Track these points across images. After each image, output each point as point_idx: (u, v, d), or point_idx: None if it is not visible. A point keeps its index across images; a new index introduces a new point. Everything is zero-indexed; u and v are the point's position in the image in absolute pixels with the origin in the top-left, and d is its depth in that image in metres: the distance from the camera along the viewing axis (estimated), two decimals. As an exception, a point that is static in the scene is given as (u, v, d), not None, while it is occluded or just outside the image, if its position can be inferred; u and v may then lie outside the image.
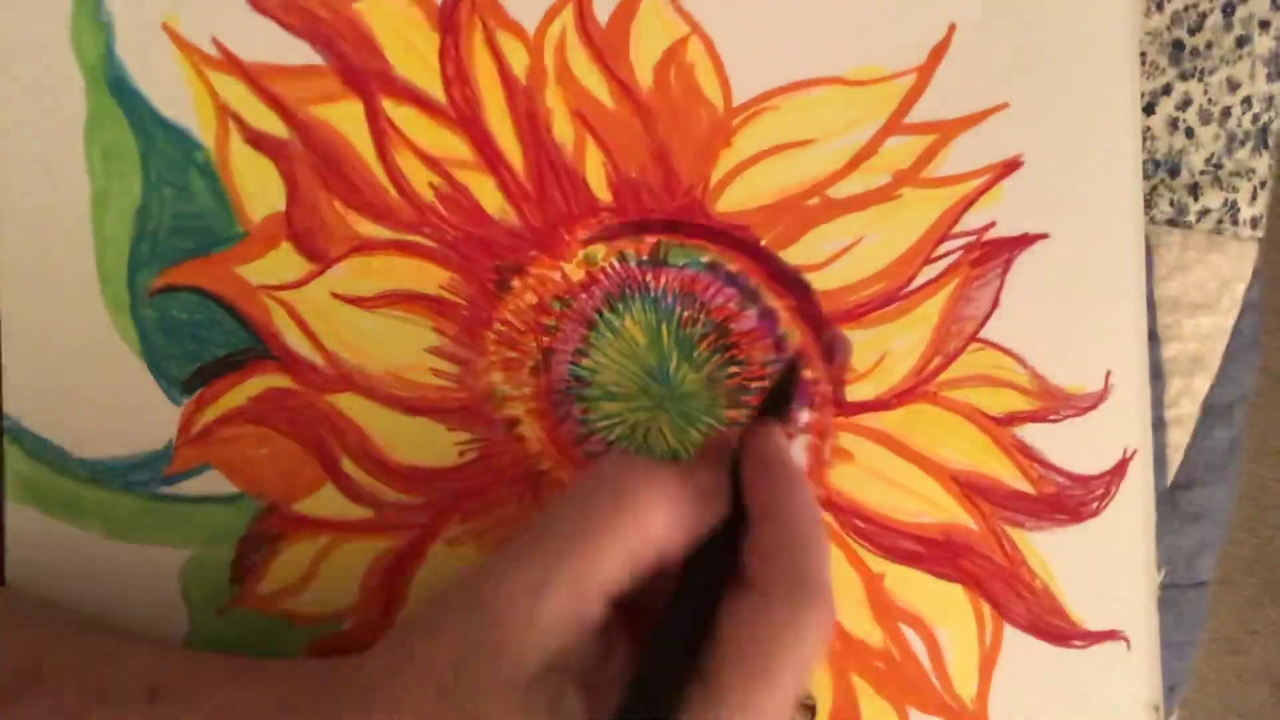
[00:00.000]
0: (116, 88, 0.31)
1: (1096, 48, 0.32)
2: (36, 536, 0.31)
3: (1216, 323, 0.36)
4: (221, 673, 0.26)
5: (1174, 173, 0.36)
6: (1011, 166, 0.32)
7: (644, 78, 0.32)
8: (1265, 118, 0.36)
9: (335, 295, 0.31)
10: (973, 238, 0.32)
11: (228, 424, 0.31)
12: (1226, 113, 0.35)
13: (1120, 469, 0.32)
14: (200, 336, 0.31)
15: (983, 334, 0.32)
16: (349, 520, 0.31)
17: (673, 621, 0.23)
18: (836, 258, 0.32)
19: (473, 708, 0.22)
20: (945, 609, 0.32)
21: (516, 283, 0.32)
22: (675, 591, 0.24)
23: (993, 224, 0.32)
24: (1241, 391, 0.38)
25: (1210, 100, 0.35)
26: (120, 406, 0.31)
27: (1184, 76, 0.35)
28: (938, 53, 0.32)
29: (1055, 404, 0.32)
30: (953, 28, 0.32)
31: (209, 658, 0.28)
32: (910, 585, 0.32)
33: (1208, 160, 0.35)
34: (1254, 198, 0.36)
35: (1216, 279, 0.36)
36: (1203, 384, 0.36)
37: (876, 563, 0.32)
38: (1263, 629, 1.04)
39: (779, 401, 0.29)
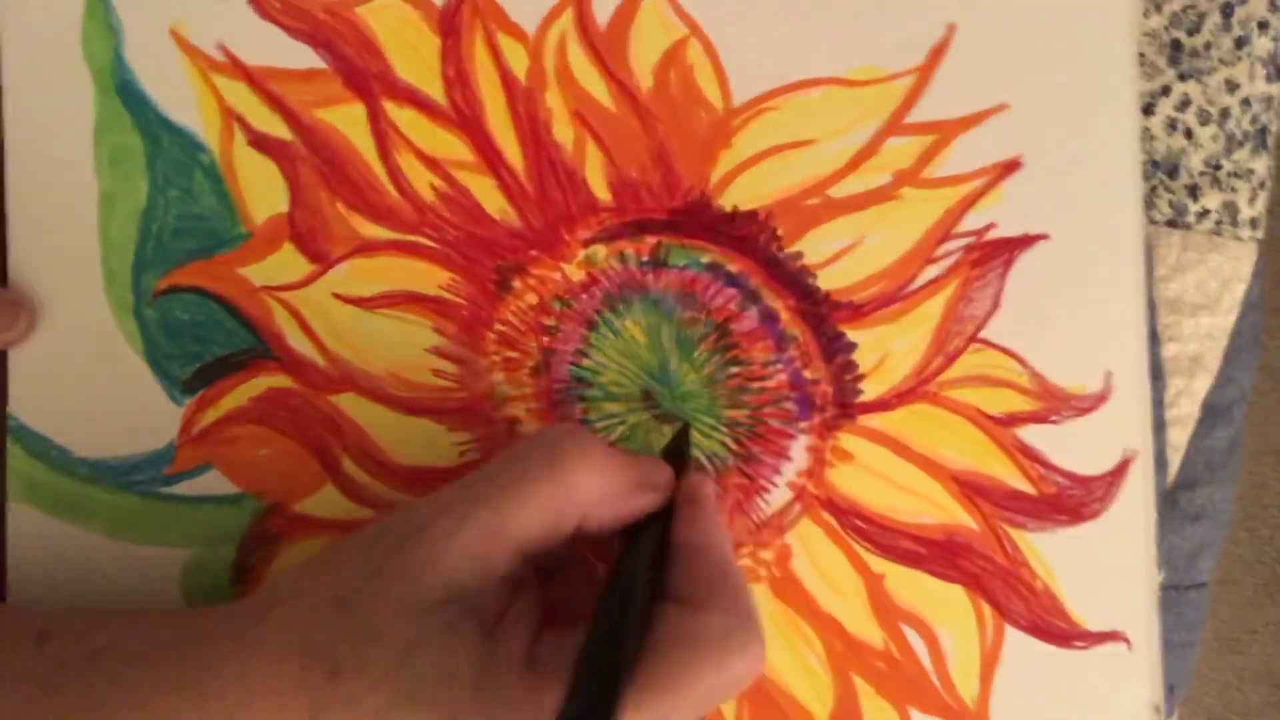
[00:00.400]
0: (124, 91, 0.31)
1: (1096, 48, 0.32)
2: (38, 536, 0.31)
3: (1216, 323, 0.36)
4: (115, 615, 0.27)
5: (1173, 174, 0.36)
6: (1012, 167, 0.32)
7: (644, 79, 0.32)
8: (1264, 119, 0.36)
9: (337, 296, 0.31)
10: (973, 238, 0.32)
11: (229, 424, 0.31)
12: (1225, 114, 0.35)
13: (1121, 470, 0.32)
14: (202, 337, 0.31)
15: (983, 334, 0.32)
16: (350, 520, 0.31)
17: (610, 616, 0.23)
18: (837, 258, 0.32)
19: (367, 621, 0.23)
20: (946, 609, 0.32)
21: (517, 283, 0.32)
22: (607, 583, 0.24)
23: (993, 224, 0.32)
24: (1241, 391, 0.37)
25: (1209, 101, 0.35)
26: (122, 406, 0.31)
27: (1183, 77, 0.35)
28: (937, 53, 0.32)
29: (1056, 404, 0.32)
30: (952, 28, 0.32)
31: (109, 610, 0.28)
32: (911, 586, 0.32)
33: (1207, 161, 0.35)
34: (1253, 198, 0.36)
35: (1216, 279, 0.36)
36: (1202, 384, 0.36)
37: (877, 563, 0.32)
38: (1263, 628, 1.04)
39: (677, 451, 0.30)
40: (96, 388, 0.31)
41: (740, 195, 0.32)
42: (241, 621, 0.24)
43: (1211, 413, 0.36)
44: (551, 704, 0.22)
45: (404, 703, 0.22)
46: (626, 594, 0.23)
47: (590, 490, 0.25)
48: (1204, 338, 0.36)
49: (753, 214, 0.32)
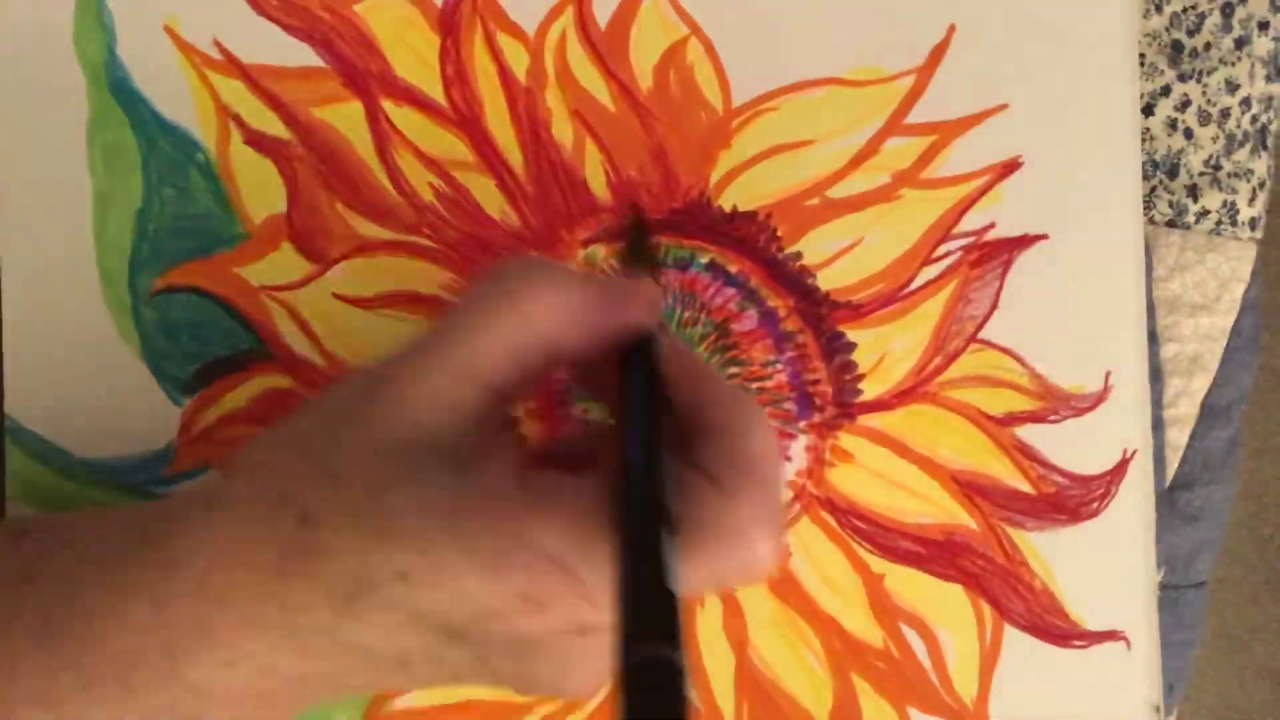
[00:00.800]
0: (118, 89, 0.31)
1: (1096, 49, 0.32)
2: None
3: (1215, 323, 0.36)
4: (93, 509, 0.27)
5: (1173, 174, 0.35)
6: (1011, 167, 0.32)
7: (644, 79, 0.32)
8: (1264, 119, 0.36)
9: (336, 296, 0.31)
10: (972, 238, 0.32)
11: (229, 424, 0.31)
12: (1225, 114, 0.35)
13: (1120, 469, 0.32)
14: (201, 337, 0.31)
15: (983, 334, 0.32)
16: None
17: (636, 497, 0.21)
18: (837, 258, 0.32)
19: (332, 465, 0.22)
20: (946, 609, 0.32)
21: (517, 283, 0.32)
22: (620, 428, 0.23)
23: (992, 225, 0.32)
24: (1240, 391, 0.38)
25: (1209, 101, 0.35)
26: (121, 407, 0.31)
27: (1183, 78, 0.35)
28: (937, 54, 0.32)
29: (1055, 404, 0.32)
30: (952, 29, 0.32)
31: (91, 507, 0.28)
32: (911, 585, 0.32)
33: (1206, 161, 0.35)
34: (1252, 199, 0.36)
35: (1215, 279, 0.36)
36: (1202, 384, 0.36)
37: (877, 563, 0.32)
38: (1263, 627, 1.04)
39: (638, 252, 0.28)
40: (95, 388, 0.31)
41: (740, 195, 0.32)
42: (208, 490, 0.24)
43: (1210, 413, 0.36)
44: (538, 534, 0.21)
45: (376, 541, 0.21)
46: (645, 446, 0.22)
47: (552, 315, 0.23)
48: (1203, 338, 0.36)
49: (752, 214, 0.32)
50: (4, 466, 0.31)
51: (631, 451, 0.21)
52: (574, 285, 0.24)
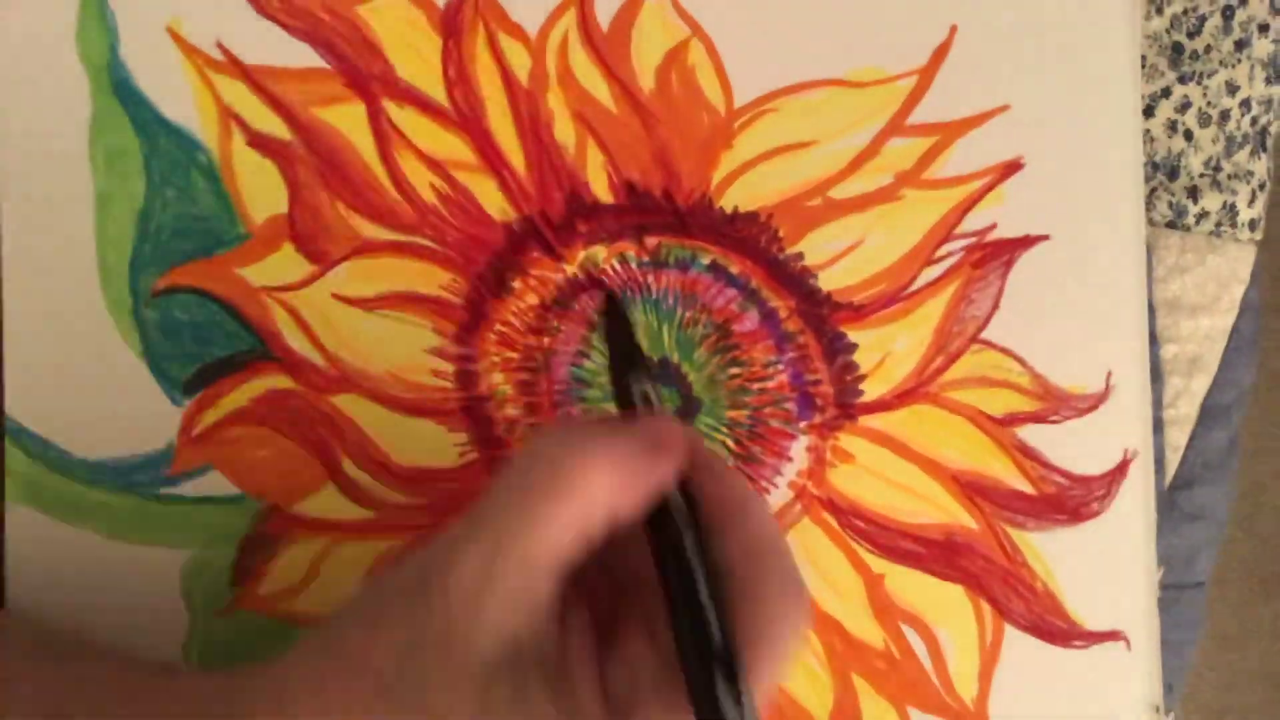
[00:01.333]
0: (120, 90, 0.31)
1: (1097, 50, 0.32)
2: (37, 538, 0.31)
3: (1215, 324, 0.36)
4: (129, 687, 0.25)
5: (1173, 175, 0.36)
6: (1013, 168, 0.32)
7: (645, 80, 0.31)
8: (1264, 120, 0.36)
9: (337, 296, 0.31)
10: (974, 239, 0.32)
11: (229, 425, 0.31)
12: (1225, 115, 0.35)
13: (1121, 469, 0.32)
14: (201, 337, 0.31)
15: (984, 335, 0.32)
16: (350, 521, 0.31)
17: (696, 628, 0.22)
18: (838, 259, 0.32)
19: (419, 701, 0.20)
20: (946, 609, 0.32)
21: (518, 284, 0.32)
22: (664, 576, 0.23)
23: (994, 225, 0.32)
24: (1239, 392, 0.38)
25: (1209, 103, 0.35)
26: (121, 407, 0.31)
27: (1183, 79, 0.35)
28: (939, 54, 0.32)
29: (1056, 404, 0.32)
30: (954, 29, 0.32)
31: (122, 672, 0.26)
32: (911, 586, 0.32)
33: (1206, 163, 0.35)
34: (1252, 200, 0.36)
35: (1215, 281, 0.36)
36: (1201, 385, 0.36)
37: (877, 563, 0.32)
38: (1259, 627, 1.04)
39: (625, 353, 0.27)
40: (95, 389, 0.31)
41: (742, 196, 0.32)
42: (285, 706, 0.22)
43: (1210, 413, 0.36)
44: None
45: None
46: (691, 586, 0.22)
47: (608, 487, 0.22)
48: (1203, 339, 0.36)
49: (754, 215, 0.32)
50: (3, 467, 0.31)
51: (680, 636, 0.21)
52: (625, 448, 0.23)
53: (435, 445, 0.31)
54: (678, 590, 0.22)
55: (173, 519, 0.31)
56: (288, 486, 0.31)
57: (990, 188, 0.32)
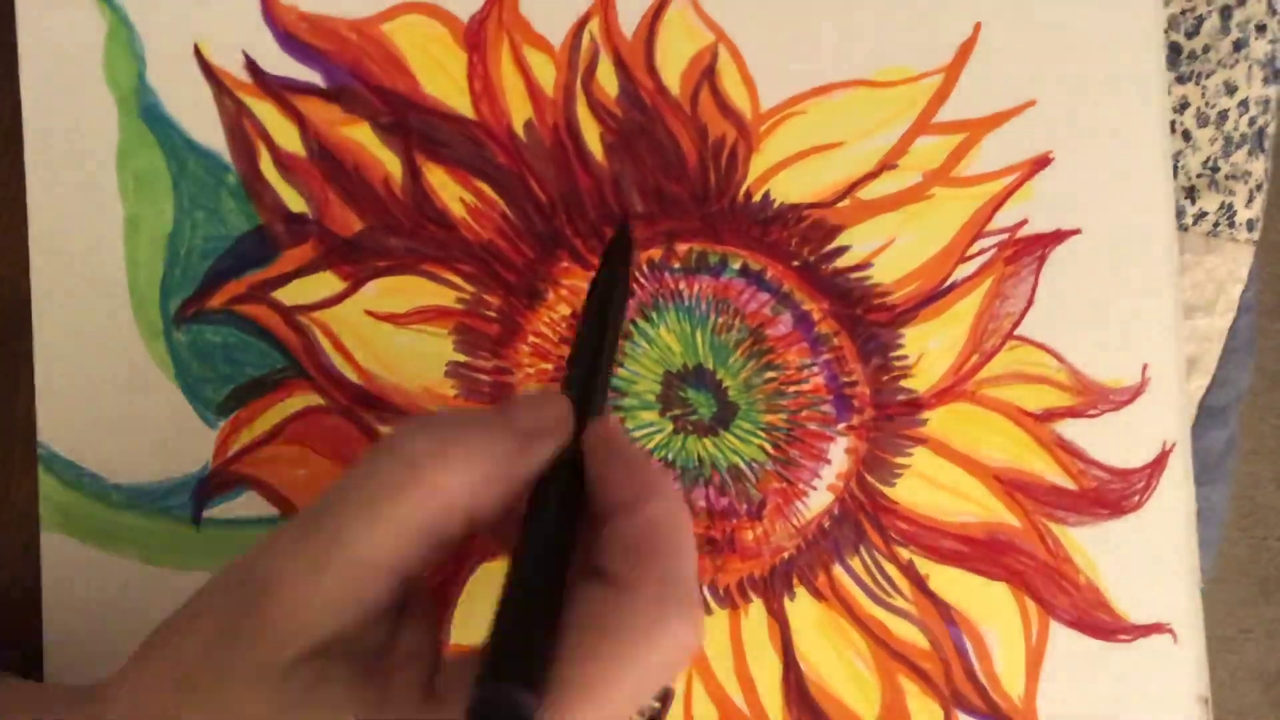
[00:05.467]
0: (148, 115, 0.30)
1: (1122, 41, 0.32)
2: (72, 565, 0.30)
3: (1213, 324, 0.36)
4: None
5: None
6: (1041, 163, 0.31)
7: (671, 86, 0.31)
8: (1261, 121, 0.36)
9: (368, 313, 0.31)
10: (1005, 235, 0.31)
11: (264, 445, 0.30)
12: (1223, 116, 0.35)
13: (1160, 461, 0.32)
14: (234, 359, 0.30)
15: (1019, 331, 0.31)
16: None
17: (516, 600, 0.19)
18: (870, 259, 0.31)
19: (217, 696, 0.19)
20: (990, 608, 0.31)
21: (550, 294, 0.31)
22: (514, 560, 0.20)
23: (1025, 221, 0.32)
24: (1237, 393, 0.37)
25: (1207, 103, 0.35)
26: (155, 431, 0.30)
27: (1181, 80, 0.35)
28: (964, 52, 0.31)
29: (1093, 398, 0.32)
30: (978, 27, 0.31)
31: None
32: (955, 585, 0.31)
33: (1205, 163, 0.35)
34: (1250, 200, 0.36)
35: (1213, 281, 0.35)
36: (1199, 385, 0.36)
37: (921, 563, 0.31)
38: (1255, 628, 1.04)
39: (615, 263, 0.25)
40: (128, 413, 0.30)
41: (771, 199, 0.31)
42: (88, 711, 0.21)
43: (1208, 414, 0.36)
44: None
45: None
46: (531, 576, 0.19)
47: (464, 486, 0.20)
48: (1201, 339, 0.35)
49: (783, 218, 0.31)
50: (38, 494, 0.30)
51: (498, 622, 0.19)
52: (482, 442, 0.21)
53: (469, 460, 0.31)
54: (510, 588, 0.20)
55: (210, 542, 0.30)
56: (325, 505, 0.30)
57: (1020, 183, 0.31)
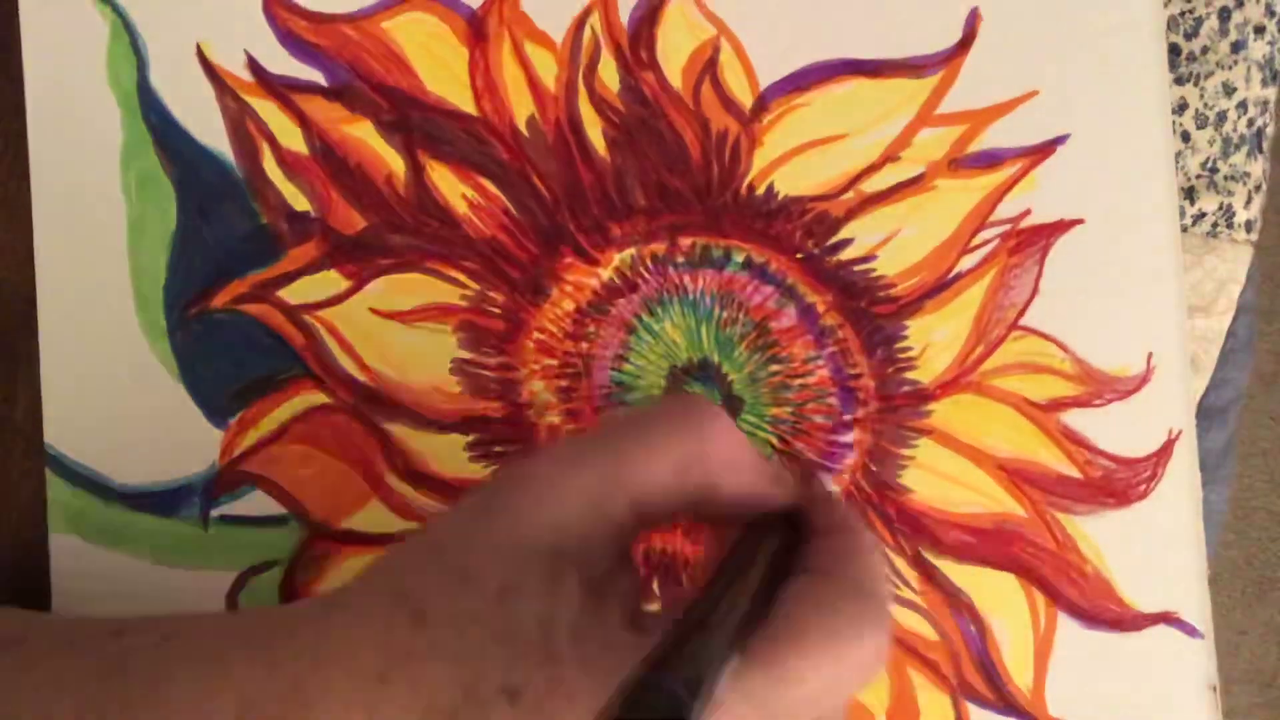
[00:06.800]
0: (151, 115, 0.30)
1: (1124, 30, 0.31)
2: (81, 565, 0.30)
3: (1211, 325, 0.35)
4: (195, 612, 0.25)
5: (1169, 176, 0.35)
6: (1044, 153, 0.31)
7: (673, 80, 0.31)
8: (1260, 122, 0.36)
9: (373, 311, 0.30)
10: (1009, 225, 0.31)
11: (271, 445, 0.30)
12: (1222, 117, 0.35)
13: (1166, 450, 0.31)
14: (239, 358, 0.30)
15: (1023, 321, 0.31)
16: (397, 535, 0.30)
17: (730, 580, 0.20)
18: (874, 251, 0.31)
19: (462, 564, 0.20)
20: (998, 598, 0.31)
21: (554, 290, 0.31)
22: (729, 562, 0.21)
23: (1028, 211, 0.31)
24: (1236, 393, 0.37)
25: (1206, 105, 0.35)
26: (161, 432, 0.30)
27: (1180, 81, 0.34)
28: (966, 42, 0.31)
29: (1099, 388, 0.31)
30: (979, 18, 0.31)
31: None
32: (963, 576, 0.31)
33: (1203, 164, 0.35)
34: (1249, 201, 0.36)
35: (1212, 282, 0.35)
36: (1198, 386, 0.36)
37: (928, 555, 0.31)
38: (1251, 629, 1.03)
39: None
40: (135, 414, 0.30)
41: (774, 193, 0.31)
42: (332, 592, 0.22)
43: (1207, 415, 0.36)
44: None
45: (495, 648, 0.19)
46: (744, 561, 0.20)
47: (725, 462, 0.21)
48: (1199, 340, 0.35)
49: (787, 211, 0.31)
50: (45, 496, 0.30)
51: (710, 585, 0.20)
52: (752, 449, 0.22)
53: (476, 456, 0.31)
54: (725, 567, 0.20)
55: (218, 542, 0.30)
56: (332, 504, 0.30)
57: (1023, 174, 0.31)
